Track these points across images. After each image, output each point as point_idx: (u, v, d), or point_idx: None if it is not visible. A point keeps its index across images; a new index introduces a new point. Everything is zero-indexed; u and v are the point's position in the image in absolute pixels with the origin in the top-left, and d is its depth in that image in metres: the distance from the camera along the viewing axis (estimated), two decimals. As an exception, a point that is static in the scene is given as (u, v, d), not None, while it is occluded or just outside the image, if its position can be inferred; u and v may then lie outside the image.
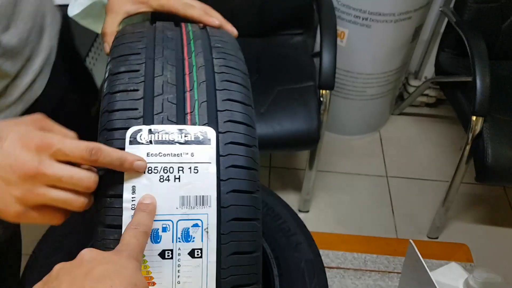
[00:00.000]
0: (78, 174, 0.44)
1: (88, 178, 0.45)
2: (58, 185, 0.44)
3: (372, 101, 2.05)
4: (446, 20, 1.83)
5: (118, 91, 0.48)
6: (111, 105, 0.48)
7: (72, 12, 0.72)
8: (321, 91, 1.56)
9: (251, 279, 0.47)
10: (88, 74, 1.00)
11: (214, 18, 0.64)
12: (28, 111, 0.74)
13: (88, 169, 0.46)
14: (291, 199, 1.92)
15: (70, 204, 0.45)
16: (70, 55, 0.90)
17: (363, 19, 1.76)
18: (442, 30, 1.90)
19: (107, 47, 0.62)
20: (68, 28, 0.88)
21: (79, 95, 0.92)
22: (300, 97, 1.58)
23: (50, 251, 0.79)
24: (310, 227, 1.05)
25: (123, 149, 0.45)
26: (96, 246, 0.45)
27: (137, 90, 0.48)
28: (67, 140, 0.45)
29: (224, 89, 0.50)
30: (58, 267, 0.41)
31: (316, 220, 1.88)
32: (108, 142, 0.46)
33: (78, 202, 0.45)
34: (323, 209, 1.93)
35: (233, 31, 0.64)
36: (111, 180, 0.45)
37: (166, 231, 0.45)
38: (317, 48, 1.86)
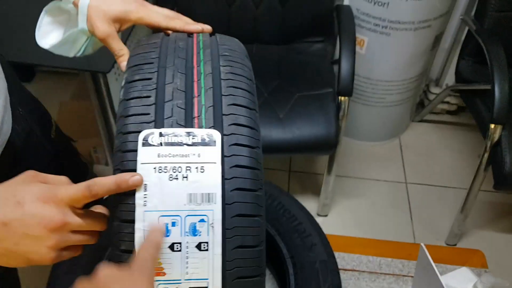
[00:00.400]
0: (93, 220, 0.52)
1: (101, 221, 0.53)
2: (79, 229, 0.51)
3: (392, 108, 2.07)
4: (467, 28, 1.84)
5: (132, 98, 0.53)
6: (126, 110, 0.52)
7: (46, 44, 0.75)
8: (339, 97, 1.59)
9: (255, 271, 0.51)
10: (37, 100, 1.01)
11: (196, 25, 0.68)
12: (3, 153, 0.76)
13: (99, 211, 0.53)
14: (310, 203, 1.95)
15: (89, 242, 0.53)
16: (19, 89, 0.92)
17: (382, 27, 1.79)
18: (463, 38, 1.91)
19: (116, 49, 0.67)
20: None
21: (38, 123, 0.95)
22: (319, 103, 1.62)
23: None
24: (328, 231, 1.08)
25: (136, 150, 0.50)
26: (112, 239, 0.50)
27: (149, 96, 0.52)
28: (68, 187, 0.50)
29: (230, 95, 0.53)
30: (77, 284, 0.46)
31: (334, 224, 1.91)
32: (123, 144, 0.50)
33: (94, 238, 0.53)
34: (342, 214, 1.95)
35: (209, 28, 0.69)
36: None
37: (175, 226, 0.48)
38: (337, 55, 1.89)
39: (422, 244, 0.93)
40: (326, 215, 1.94)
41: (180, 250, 0.49)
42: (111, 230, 0.50)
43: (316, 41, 1.88)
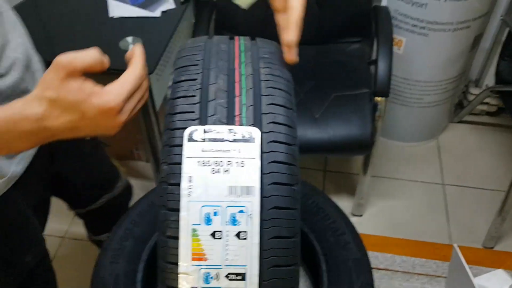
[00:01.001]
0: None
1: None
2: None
3: (429, 109, 2.06)
4: (507, 29, 1.81)
5: (179, 97, 0.57)
6: (173, 108, 0.56)
7: None
8: (376, 98, 1.60)
9: (290, 261, 0.54)
10: None
11: None
12: (41, 148, 0.84)
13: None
14: (344, 202, 1.96)
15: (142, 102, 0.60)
16: None
17: (420, 28, 1.78)
18: (503, 39, 1.88)
19: None
20: None
21: None
22: (355, 103, 1.63)
23: (122, 235, 0.89)
24: (363, 231, 1.09)
25: (182, 145, 0.53)
26: (159, 226, 0.54)
27: (194, 96, 0.56)
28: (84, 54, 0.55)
29: (269, 95, 0.57)
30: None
31: (369, 224, 1.91)
32: (170, 139, 0.55)
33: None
34: (377, 214, 1.95)
35: None
36: (172, 172, 0.53)
37: (216, 215, 0.52)
38: (374, 56, 1.89)
39: (455, 245, 0.94)
40: (360, 215, 1.95)
41: (220, 238, 0.52)
42: (159, 217, 0.54)
43: (353, 41, 1.89)
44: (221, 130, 0.54)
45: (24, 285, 0.94)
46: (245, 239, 0.52)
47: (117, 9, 1.64)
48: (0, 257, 0.88)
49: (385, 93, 1.58)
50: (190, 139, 0.54)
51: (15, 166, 0.82)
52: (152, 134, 1.64)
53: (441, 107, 2.08)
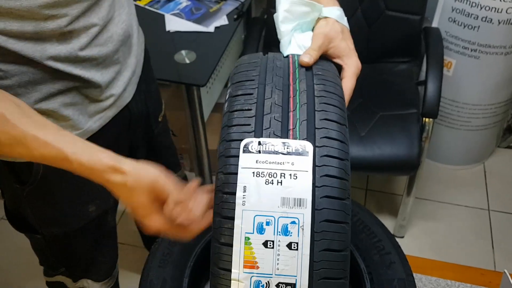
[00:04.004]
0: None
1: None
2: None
3: (477, 132, 2.02)
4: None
5: (236, 110, 0.59)
6: (230, 121, 0.58)
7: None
8: (424, 119, 1.59)
9: (339, 274, 0.55)
10: (157, 85, 1.15)
11: None
12: (119, 114, 0.93)
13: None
14: (386, 222, 1.90)
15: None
16: (148, 69, 1.07)
17: (471, 50, 1.76)
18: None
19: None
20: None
21: (153, 102, 1.10)
22: (402, 123, 1.62)
23: (171, 241, 0.92)
24: (404, 252, 1.09)
25: (238, 156, 0.56)
26: (214, 233, 0.56)
27: (250, 109, 0.58)
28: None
29: (322, 110, 0.58)
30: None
31: (410, 246, 1.88)
32: (226, 150, 0.56)
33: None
34: (418, 236, 1.92)
35: None
36: (227, 181, 0.55)
37: (269, 225, 0.53)
38: (422, 76, 1.88)
39: (506, 271, 0.91)
40: (402, 237, 1.92)
41: (272, 248, 0.54)
42: (214, 225, 0.56)
43: (401, 61, 1.88)
44: (276, 143, 0.56)
45: (85, 234, 1.01)
46: (296, 249, 0.53)
47: (174, 24, 1.70)
48: (68, 201, 0.94)
49: (433, 114, 1.57)
50: (245, 151, 0.55)
51: (92, 123, 0.87)
52: (199, 144, 1.68)
53: (489, 131, 2.04)
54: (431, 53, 1.67)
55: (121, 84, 0.90)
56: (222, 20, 1.71)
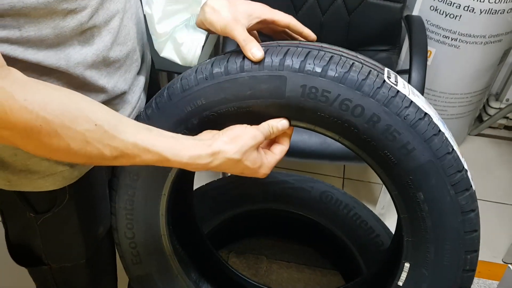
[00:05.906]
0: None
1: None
2: None
3: (451, 121, 2.04)
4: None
5: None
6: None
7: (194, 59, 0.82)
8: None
9: None
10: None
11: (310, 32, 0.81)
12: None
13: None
14: (366, 212, 1.94)
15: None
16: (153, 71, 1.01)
17: (452, 39, 1.77)
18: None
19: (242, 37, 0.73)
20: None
21: None
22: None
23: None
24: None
25: None
26: None
27: None
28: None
29: None
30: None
31: (391, 235, 1.89)
32: None
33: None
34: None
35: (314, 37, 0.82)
36: None
37: None
38: (400, 65, 1.88)
39: (510, 266, 0.92)
40: (381, 225, 1.92)
41: None
42: None
43: (381, 49, 1.86)
44: None
45: (91, 257, 0.95)
46: None
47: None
48: (80, 226, 0.88)
49: (417, 105, 1.56)
50: None
51: None
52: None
53: (463, 119, 2.07)
54: (415, 43, 1.65)
55: (138, 90, 0.83)
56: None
